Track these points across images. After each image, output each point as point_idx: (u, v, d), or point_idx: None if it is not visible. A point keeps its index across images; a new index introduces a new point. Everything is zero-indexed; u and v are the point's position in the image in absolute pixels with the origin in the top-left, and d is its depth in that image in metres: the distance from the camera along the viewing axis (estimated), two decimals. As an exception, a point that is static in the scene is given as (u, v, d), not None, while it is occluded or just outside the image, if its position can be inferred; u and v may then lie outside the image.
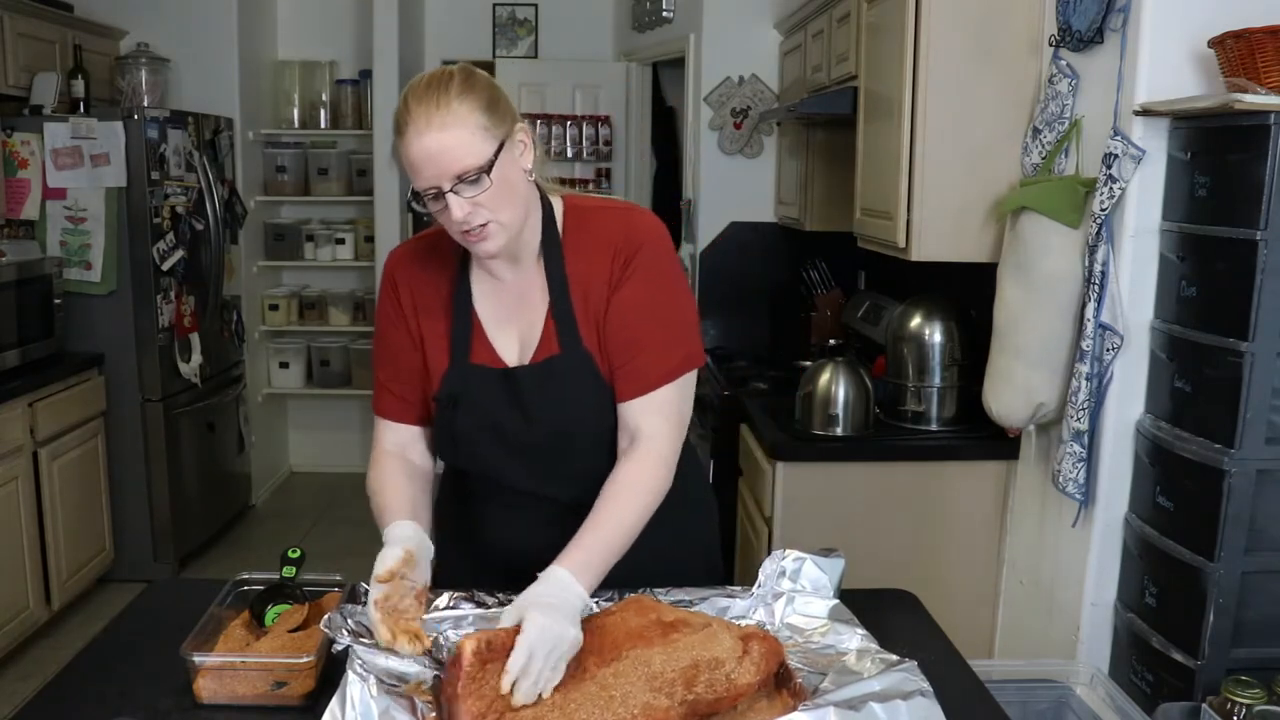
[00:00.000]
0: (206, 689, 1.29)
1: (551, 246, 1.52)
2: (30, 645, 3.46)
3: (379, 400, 1.62)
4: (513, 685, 1.17)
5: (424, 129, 1.34)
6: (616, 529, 1.40)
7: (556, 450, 1.54)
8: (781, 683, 1.28)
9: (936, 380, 2.74)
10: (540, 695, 1.18)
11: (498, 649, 1.19)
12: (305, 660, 1.29)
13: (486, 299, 1.55)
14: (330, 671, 1.35)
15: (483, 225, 1.39)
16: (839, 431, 2.70)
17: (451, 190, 1.36)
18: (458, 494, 1.66)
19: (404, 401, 1.59)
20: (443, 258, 1.57)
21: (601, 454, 1.53)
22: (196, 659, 1.28)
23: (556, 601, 1.25)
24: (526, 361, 1.52)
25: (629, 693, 1.18)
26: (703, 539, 1.74)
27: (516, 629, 1.20)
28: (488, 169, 1.36)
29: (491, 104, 1.38)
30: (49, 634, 3.56)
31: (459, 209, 1.36)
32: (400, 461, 1.59)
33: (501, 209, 1.40)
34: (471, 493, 1.63)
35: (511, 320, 1.54)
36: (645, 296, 1.49)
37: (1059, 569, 2.28)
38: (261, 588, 1.47)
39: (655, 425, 1.48)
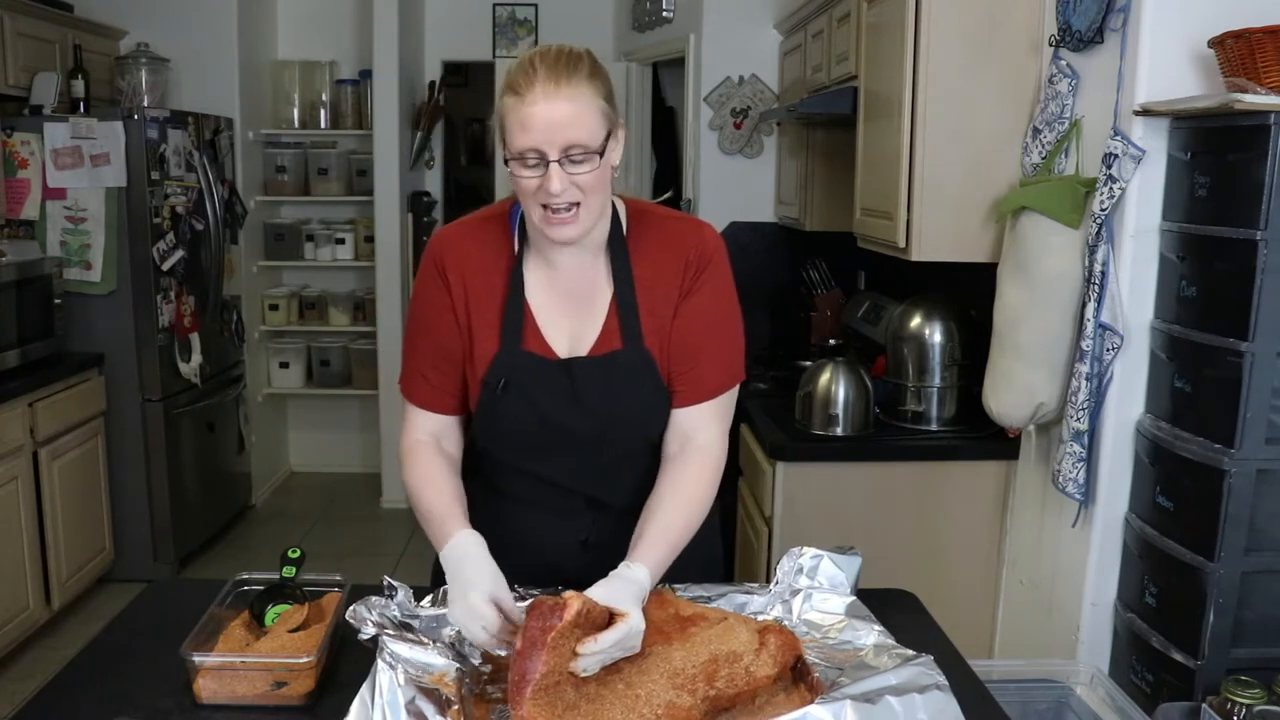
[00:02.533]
0: (206, 689, 1.29)
1: (617, 244, 1.52)
2: (30, 645, 3.46)
3: (415, 387, 1.58)
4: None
5: (553, 93, 1.34)
6: (681, 534, 1.45)
7: (600, 446, 1.54)
8: (799, 677, 1.30)
9: (936, 380, 2.74)
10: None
11: (594, 619, 1.22)
12: (305, 660, 1.29)
13: (541, 288, 1.53)
14: (330, 671, 1.35)
15: (572, 206, 1.38)
16: (839, 431, 2.70)
17: (558, 160, 1.35)
18: (478, 481, 1.63)
19: (442, 391, 1.56)
20: (497, 243, 1.54)
21: (641, 456, 1.56)
22: (196, 659, 1.28)
23: (640, 601, 1.30)
24: (581, 354, 1.52)
25: (653, 691, 1.22)
26: (704, 532, 1.75)
27: (609, 611, 1.24)
28: (600, 150, 1.37)
29: (611, 94, 1.41)
30: (49, 634, 3.56)
31: (559, 181, 1.35)
32: (438, 453, 1.56)
33: (593, 195, 1.40)
34: (493, 482, 1.62)
35: (566, 312, 1.53)
36: (713, 308, 1.54)
37: (1059, 569, 2.28)
38: (261, 588, 1.47)
39: (712, 434, 1.54)
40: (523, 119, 1.34)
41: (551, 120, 1.34)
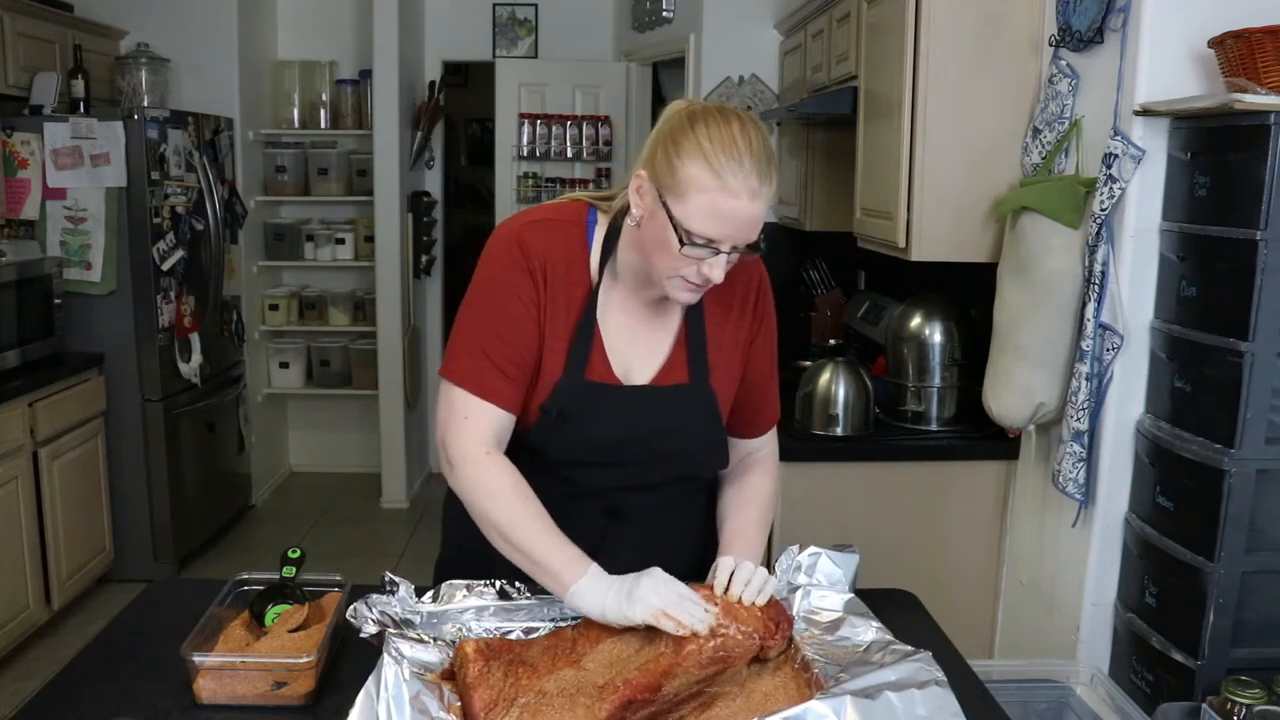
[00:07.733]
0: (206, 689, 1.29)
1: None
2: (30, 645, 3.46)
3: (490, 382, 1.42)
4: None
5: (756, 192, 1.31)
6: (764, 532, 1.54)
7: (645, 469, 1.53)
8: (799, 673, 1.30)
9: (936, 380, 2.74)
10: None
11: (496, 649, 1.24)
12: (305, 660, 1.29)
13: (613, 314, 1.49)
14: (330, 672, 1.35)
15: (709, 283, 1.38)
16: (839, 431, 2.70)
17: (729, 252, 1.34)
18: None
19: (517, 386, 1.44)
20: (575, 254, 1.48)
21: (678, 483, 1.58)
22: (196, 659, 1.28)
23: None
24: (642, 381, 1.50)
25: (625, 655, 1.25)
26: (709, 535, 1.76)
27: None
28: (763, 252, 1.39)
29: None
30: (49, 634, 3.56)
31: (722, 272, 1.35)
32: (518, 475, 1.42)
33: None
34: None
35: (634, 337, 1.50)
36: (771, 343, 1.62)
37: (1059, 569, 2.28)
38: (261, 588, 1.47)
39: (772, 446, 1.67)
40: (719, 208, 1.30)
41: (748, 220, 1.32)
